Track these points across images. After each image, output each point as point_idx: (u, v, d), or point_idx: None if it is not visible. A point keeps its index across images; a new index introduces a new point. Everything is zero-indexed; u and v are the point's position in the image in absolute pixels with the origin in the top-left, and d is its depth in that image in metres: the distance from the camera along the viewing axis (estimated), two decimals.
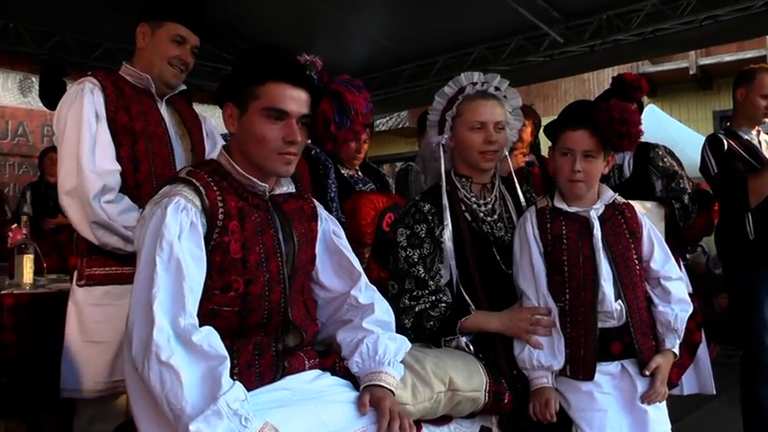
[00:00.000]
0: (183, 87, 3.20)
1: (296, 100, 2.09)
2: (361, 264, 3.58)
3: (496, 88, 2.86)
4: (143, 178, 2.87)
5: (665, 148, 4.13)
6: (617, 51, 6.64)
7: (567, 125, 2.74)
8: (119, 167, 2.81)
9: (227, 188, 2.08)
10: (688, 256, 7.53)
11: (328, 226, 2.40)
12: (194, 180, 2.04)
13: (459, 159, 2.92)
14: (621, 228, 2.74)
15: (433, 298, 2.71)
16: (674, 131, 8.67)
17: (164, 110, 3.06)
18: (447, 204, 2.80)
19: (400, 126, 15.07)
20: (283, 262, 2.14)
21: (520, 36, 6.86)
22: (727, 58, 11.76)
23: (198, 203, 1.99)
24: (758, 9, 5.70)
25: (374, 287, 2.44)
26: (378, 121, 14.47)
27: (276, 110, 2.07)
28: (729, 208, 4.19)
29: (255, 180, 2.12)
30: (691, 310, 2.80)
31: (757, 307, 4.02)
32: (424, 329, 2.69)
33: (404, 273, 2.74)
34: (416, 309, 2.69)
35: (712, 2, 5.82)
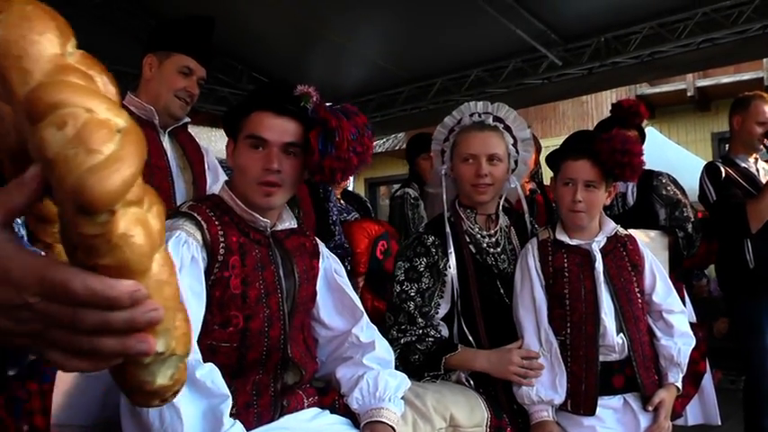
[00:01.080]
0: (187, 120, 3.17)
1: (278, 128, 2.06)
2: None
3: (497, 119, 2.83)
4: None
5: (668, 175, 4.13)
6: (615, 74, 6.62)
7: (569, 155, 2.73)
8: None
9: (229, 223, 2.07)
10: (694, 282, 7.51)
11: (329, 264, 2.38)
12: (196, 214, 2.03)
13: (459, 190, 2.89)
14: (623, 260, 2.72)
15: (421, 332, 2.67)
16: (672, 155, 8.66)
17: (166, 142, 3.04)
18: (450, 233, 2.77)
19: (397, 148, 15.04)
20: (283, 298, 2.12)
21: (518, 58, 6.83)
22: (725, 79, 11.78)
23: (199, 237, 1.98)
24: (754, 33, 5.69)
25: (374, 326, 2.42)
26: (374, 143, 14.39)
27: (255, 137, 2.06)
28: (729, 236, 4.18)
29: (257, 215, 2.10)
30: (694, 343, 2.78)
31: (758, 336, 4.00)
32: (409, 363, 2.65)
33: (397, 307, 2.71)
34: (402, 341, 2.66)
35: (709, 25, 5.81)
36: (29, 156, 0.69)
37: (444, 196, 2.85)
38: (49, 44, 0.69)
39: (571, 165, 2.69)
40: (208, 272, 1.98)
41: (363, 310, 2.37)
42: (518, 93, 7.09)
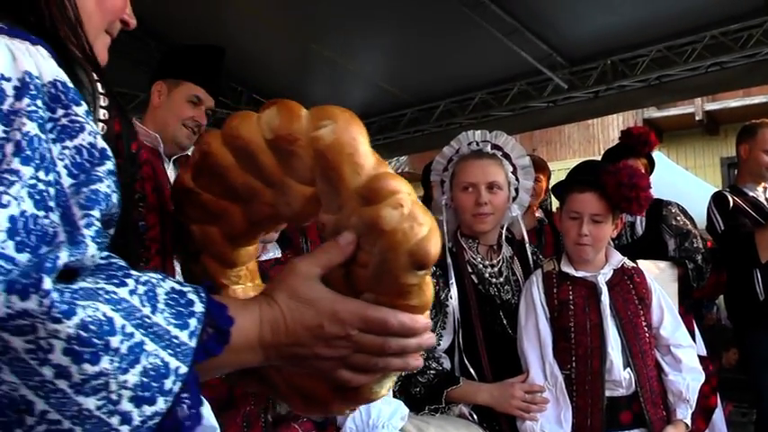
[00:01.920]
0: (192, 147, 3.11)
1: None
2: None
3: (495, 147, 2.77)
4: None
5: (677, 205, 4.05)
6: (622, 98, 6.54)
7: (575, 187, 2.68)
8: None
9: None
10: (704, 312, 7.40)
11: None
12: None
13: (460, 220, 2.85)
14: (630, 293, 2.65)
15: (424, 364, 2.58)
16: (681, 181, 8.54)
17: (170, 170, 2.97)
18: (451, 263, 2.72)
19: (400, 171, 15.02)
20: None
21: (523, 81, 6.76)
22: (734, 103, 11.71)
23: None
24: (763, 57, 5.63)
25: None
26: None
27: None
28: (738, 266, 4.10)
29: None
30: (702, 378, 2.74)
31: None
32: (410, 395, 2.59)
33: None
34: (403, 373, 2.55)
35: (718, 48, 5.73)
36: (253, 228, 1.12)
37: (445, 227, 2.80)
38: (366, 142, 0.94)
39: (577, 197, 2.65)
40: None
41: None
42: (523, 116, 7.02)
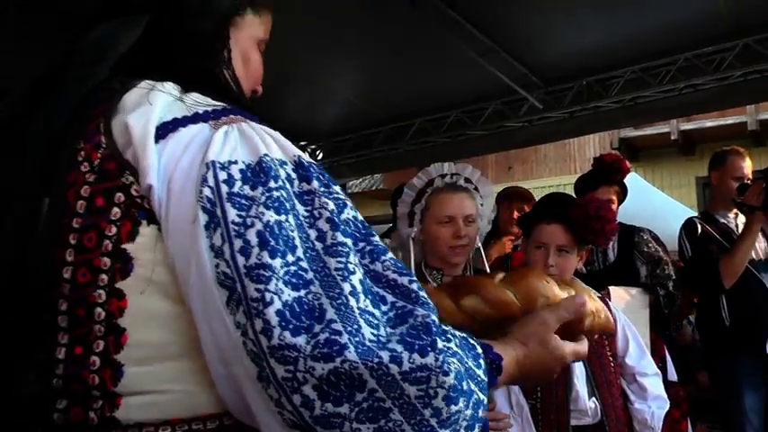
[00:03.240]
0: None
1: None
2: None
3: (467, 180, 2.81)
4: None
5: (649, 232, 4.07)
6: (597, 118, 6.54)
7: (542, 219, 2.72)
8: None
9: None
10: (674, 334, 7.41)
11: None
12: None
13: (429, 252, 2.85)
14: None
15: None
16: (657, 201, 8.55)
17: None
18: None
19: (374, 188, 14.98)
20: None
21: (498, 100, 6.75)
22: (708, 123, 11.78)
23: None
24: (735, 80, 5.67)
25: None
26: (350, 183, 14.39)
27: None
28: (705, 292, 4.14)
29: None
30: (667, 406, 2.79)
31: (737, 396, 3.91)
32: None
33: None
34: None
35: (691, 71, 5.75)
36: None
37: (413, 260, 2.82)
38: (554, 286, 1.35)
39: (544, 228, 2.68)
40: None
41: None
42: (498, 135, 7.02)
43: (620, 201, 4.13)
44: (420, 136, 7.36)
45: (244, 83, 1.18)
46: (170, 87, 1.01)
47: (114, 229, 0.89)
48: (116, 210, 0.89)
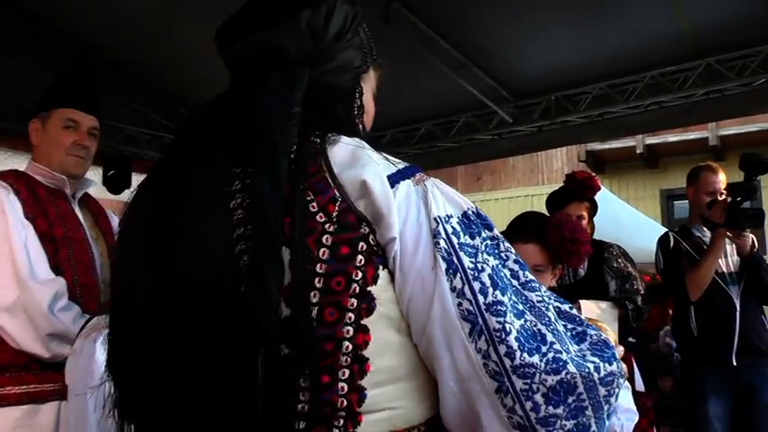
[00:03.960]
0: (95, 183, 3.00)
1: None
2: None
3: None
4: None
5: (618, 247, 4.17)
6: (565, 133, 6.66)
7: (517, 238, 2.70)
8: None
9: None
10: (651, 345, 7.63)
11: None
12: None
13: None
14: None
15: None
16: (623, 214, 8.69)
17: (78, 211, 2.84)
18: None
19: None
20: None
21: (469, 113, 6.84)
22: (672, 138, 11.98)
23: None
24: (699, 98, 5.84)
25: None
26: None
27: None
28: (677, 303, 4.25)
29: None
30: (637, 418, 2.74)
31: (703, 405, 4.00)
32: None
33: None
34: None
35: (657, 88, 5.91)
36: None
37: None
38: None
39: (520, 248, 2.66)
40: None
41: None
42: (468, 148, 7.10)
43: (591, 217, 4.22)
44: (392, 147, 7.39)
45: (366, 127, 1.34)
46: (357, 142, 1.17)
47: (360, 274, 1.02)
48: (360, 257, 1.03)
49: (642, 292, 3.95)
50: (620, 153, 12.75)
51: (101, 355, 1.87)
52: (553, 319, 1.09)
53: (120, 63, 6.55)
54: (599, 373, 1.08)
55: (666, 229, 9.77)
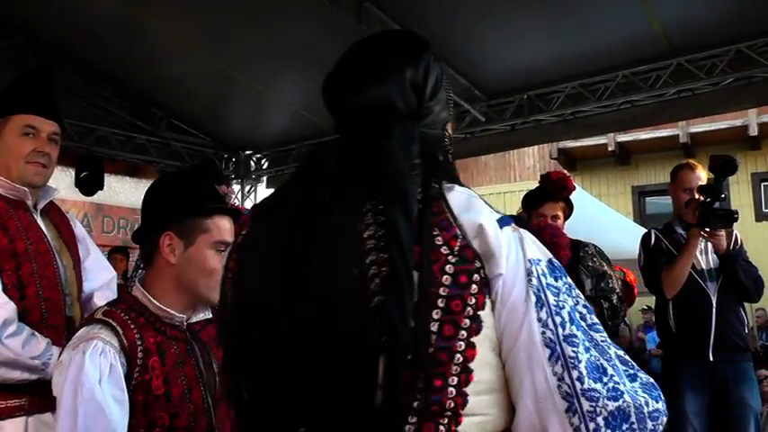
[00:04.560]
0: (57, 191, 2.84)
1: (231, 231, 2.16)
2: None
3: None
4: (30, 305, 2.52)
5: (594, 246, 4.17)
6: (538, 131, 6.69)
7: None
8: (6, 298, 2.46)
9: (145, 324, 2.02)
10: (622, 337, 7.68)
11: None
12: (111, 321, 1.97)
13: None
14: None
15: None
16: (595, 211, 8.75)
17: (41, 223, 2.70)
18: None
19: None
20: (206, 391, 2.09)
21: None
22: (643, 136, 12.09)
23: (116, 344, 1.93)
24: (670, 96, 5.91)
25: None
26: None
27: (226, 243, 2.08)
28: (656, 300, 4.33)
29: (173, 312, 2.07)
30: None
31: (680, 400, 4.03)
32: None
33: None
34: None
35: (628, 87, 5.98)
36: None
37: None
38: None
39: None
40: (128, 377, 1.94)
41: None
42: None
43: (566, 217, 4.22)
44: None
45: None
46: (468, 191, 1.37)
47: (473, 300, 1.22)
48: (474, 286, 1.22)
49: (618, 290, 3.98)
50: (592, 150, 12.84)
51: (91, 366, 1.85)
52: (614, 357, 1.27)
53: (91, 64, 6.49)
54: (648, 407, 1.23)
55: (639, 226, 9.97)
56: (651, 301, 10.80)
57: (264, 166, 8.48)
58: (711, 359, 4.02)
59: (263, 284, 1.28)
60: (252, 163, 8.58)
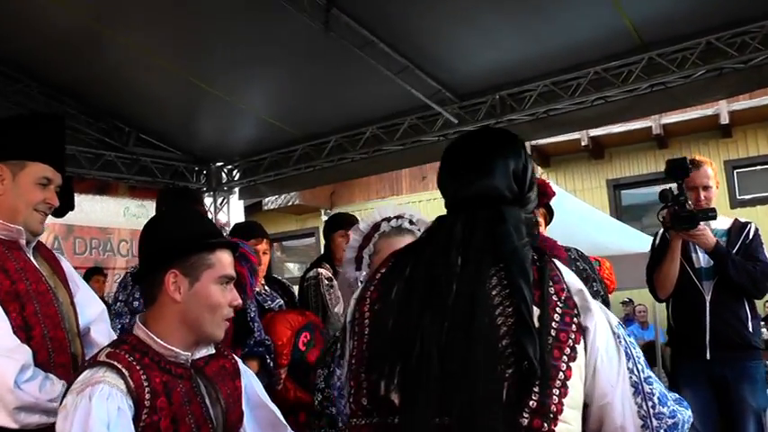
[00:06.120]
0: (44, 229, 2.81)
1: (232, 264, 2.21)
2: (278, 384, 3.71)
3: (411, 222, 2.80)
4: (37, 345, 2.46)
5: (576, 251, 4.11)
6: (512, 130, 6.64)
7: None
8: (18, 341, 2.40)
9: (150, 364, 1.99)
10: None
11: (249, 380, 2.34)
12: (116, 363, 1.94)
13: None
14: None
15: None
16: (570, 206, 8.69)
17: (35, 261, 2.65)
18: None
19: (290, 204, 14.82)
20: (214, 427, 2.09)
21: (413, 116, 6.81)
22: (616, 129, 12.06)
23: (123, 387, 1.90)
24: (643, 91, 5.90)
25: None
26: (266, 200, 14.25)
27: (229, 277, 2.14)
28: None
29: (178, 350, 2.05)
30: None
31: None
32: None
33: (319, 413, 2.74)
34: None
35: (601, 83, 5.96)
36: None
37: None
38: None
39: None
40: (136, 419, 1.92)
41: (286, 424, 2.38)
42: (413, 150, 7.08)
43: (547, 222, 4.18)
44: (337, 153, 7.34)
45: None
46: (563, 264, 1.73)
47: (573, 335, 1.56)
48: (573, 326, 1.57)
49: (603, 293, 3.93)
50: (565, 146, 12.82)
51: (98, 410, 1.84)
52: (663, 390, 1.67)
53: (55, 81, 6.37)
54: (684, 419, 1.67)
55: (614, 219, 9.99)
56: (632, 293, 10.90)
57: (236, 177, 8.38)
58: (708, 357, 3.99)
59: (411, 308, 1.62)
60: (223, 174, 8.48)
